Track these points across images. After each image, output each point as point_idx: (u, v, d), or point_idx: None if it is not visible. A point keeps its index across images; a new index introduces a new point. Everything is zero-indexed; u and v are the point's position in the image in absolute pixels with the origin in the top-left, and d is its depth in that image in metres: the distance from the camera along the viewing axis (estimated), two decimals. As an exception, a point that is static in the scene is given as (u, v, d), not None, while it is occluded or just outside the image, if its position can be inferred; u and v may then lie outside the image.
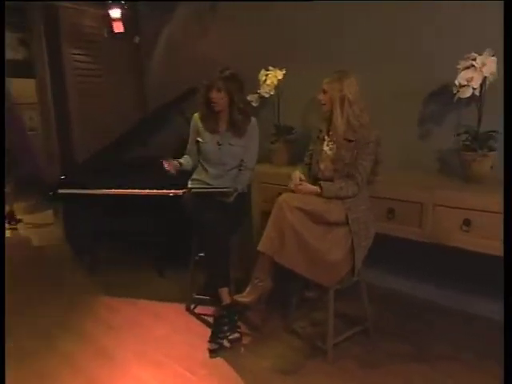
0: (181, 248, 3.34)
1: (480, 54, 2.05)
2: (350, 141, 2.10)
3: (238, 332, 2.25)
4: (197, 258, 2.63)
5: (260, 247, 2.07)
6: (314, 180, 2.25)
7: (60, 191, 3.24)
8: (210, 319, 2.57)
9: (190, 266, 2.67)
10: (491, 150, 2.12)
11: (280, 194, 2.16)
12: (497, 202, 1.94)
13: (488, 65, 2.00)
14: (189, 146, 2.59)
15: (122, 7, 3.70)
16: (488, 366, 2.08)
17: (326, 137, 2.23)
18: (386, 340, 2.33)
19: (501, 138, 2.12)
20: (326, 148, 2.21)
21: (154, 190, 3.10)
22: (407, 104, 2.59)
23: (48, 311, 2.79)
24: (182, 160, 2.53)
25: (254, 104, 2.88)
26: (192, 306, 2.76)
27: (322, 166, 2.22)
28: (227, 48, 3.52)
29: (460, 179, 2.28)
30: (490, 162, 2.14)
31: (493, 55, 2.02)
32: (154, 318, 2.68)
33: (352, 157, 2.10)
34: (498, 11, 2.16)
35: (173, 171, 2.40)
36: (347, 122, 2.08)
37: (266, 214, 2.87)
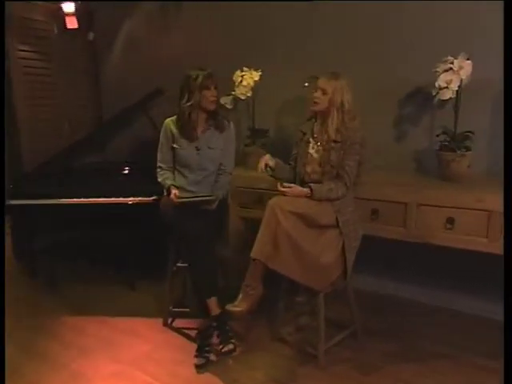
0: (152, 259, 3.24)
1: (455, 58, 2.16)
2: (336, 142, 2.13)
3: (232, 343, 2.20)
4: (175, 268, 2.54)
5: (253, 254, 2.04)
6: (300, 183, 2.26)
7: (11, 202, 3.01)
8: (192, 332, 2.49)
9: (168, 277, 2.57)
10: (468, 149, 2.24)
11: (270, 197, 2.15)
12: (478, 199, 2.06)
13: (465, 68, 2.11)
14: (162, 155, 2.47)
15: (76, 1, 3.50)
16: (477, 361, 2.18)
17: (310, 139, 2.24)
18: (374, 341, 2.38)
19: (475, 138, 2.27)
20: (311, 151, 2.23)
21: (115, 198, 2.99)
22: (382, 105, 2.68)
23: (7, 337, 2.55)
24: (168, 181, 2.41)
25: (229, 106, 2.84)
26: (169, 320, 2.66)
27: (308, 169, 2.22)
28: (193, 47, 3.44)
29: (437, 178, 2.39)
30: (468, 162, 2.27)
31: (467, 59, 2.14)
32: (129, 335, 2.54)
33: (339, 158, 2.13)
34: (473, 13, 2.31)
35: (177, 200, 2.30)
36: (336, 128, 2.10)
37: (242, 220, 2.88)
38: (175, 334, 2.55)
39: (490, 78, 2.24)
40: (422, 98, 2.55)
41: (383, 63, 2.65)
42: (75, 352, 2.39)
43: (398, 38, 2.59)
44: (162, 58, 3.64)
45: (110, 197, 3.00)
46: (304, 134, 2.28)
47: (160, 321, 2.65)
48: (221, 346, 2.19)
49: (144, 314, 2.75)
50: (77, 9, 3.59)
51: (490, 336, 2.34)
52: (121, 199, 2.93)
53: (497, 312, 2.35)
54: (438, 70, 2.18)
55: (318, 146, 2.21)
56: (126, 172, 3.23)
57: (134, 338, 2.51)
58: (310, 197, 2.11)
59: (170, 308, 2.63)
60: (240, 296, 2.09)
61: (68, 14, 3.56)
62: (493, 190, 2.05)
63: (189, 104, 2.30)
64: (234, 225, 2.86)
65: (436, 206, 2.18)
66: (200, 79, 2.26)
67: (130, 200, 2.98)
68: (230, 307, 2.06)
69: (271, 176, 2.31)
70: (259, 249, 2.04)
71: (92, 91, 4.10)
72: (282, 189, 2.13)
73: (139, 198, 2.97)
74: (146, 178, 3.04)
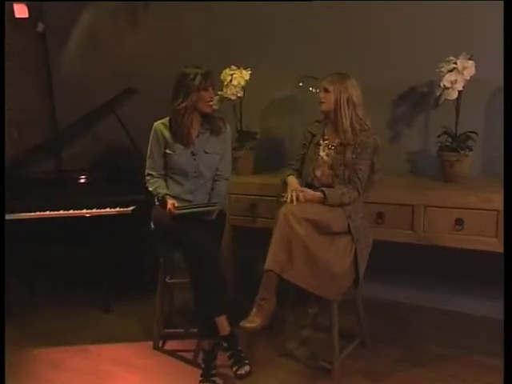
0: (128, 276, 3.04)
1: (457, 57, 2.23)
2: (350, 145, 2.10)
3: (247, 364, 2.08)
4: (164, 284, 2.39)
5: (267, 265, 1.96)
6: (307, 187, 2.21)
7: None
8: (188, 355, 2.34)
9: (158, 294, 2.40)
10: (470, 150, 2.32)
11: (281, 204, 2.07)
12: (486, 199, 2.13)
13: (468, 68, 2.18)
14: (153, 162, 2.29)
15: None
16: (487, 361, 2.23)
17: (321, 141, 2.19)
18: (382, 348, 2.37)
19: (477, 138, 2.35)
20: (322, 153, 2.18)
21: (89, 210, 2.78)
22: (375, 106, 2.68)
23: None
24: (161, 190, 2.24)
25: (215, 107, 2.71)
26: (160, 343, 2.48)
27: (318, 173, 2.18)
28: (163, 46, 3.27)
29: (438, 180, 2.44)
30: (470, 162, 2.34)
31: (469, 58, 2.21)
32: (116, 365, 2.33)
33: (351, 161, 2.11)
34: (466, 12, 2.39)
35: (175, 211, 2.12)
36: (351, 126, 2.08)
37: (234, 228, 2.77)
38: (169, 357, 2.38)
39: (483, 78, 2.32)
40: (416, 98, 2.61)
41: (375, 63, 2.67)
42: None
43: (390, 38, 2.63)
44: (126, 57, 3.42)
45: (80, 209, 2.79)
46: (313, 135, 2.23)
47: (148, 344, 2.46)
48: (235, 368, 2.07)
49: (129, 339, 2.55)
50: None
51: (497, 336, 2.43)
52: (92, 211, 2.73)
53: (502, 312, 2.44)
54: (442, 69, 2.22)
55: (329, 148, 2.17)
56: (98, 181, 3.00)
57: (122, 368, 2.31)
58: (322, 202, 2.07)
59: (161, 329, 2.46)
60: (254, 311, 2.00)
61: (17, 2, 3.22)
62: (499, 189, 2.11)
63: (183, 105, 2.15)
64: (225, 234, 2.74)
65: (444, 208, 2.22)
66: (198, 79, 2.13)
67: (104, 212, 2.77)
68: (244, 324, 1.96)
69: None
70: (273, 259, 1.96)
71: (43, 91, 3.76)
72: (293, 195, 2.05)
73: (116, 209, 2.77)
74: (121, 188, 2.87)
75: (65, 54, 3.69)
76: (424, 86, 2.57)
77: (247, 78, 2.63)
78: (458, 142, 2.33)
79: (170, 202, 2.14)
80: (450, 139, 2.36)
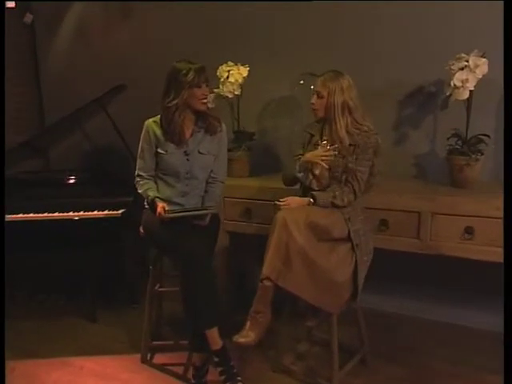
0: (117, 283, 2.95)
1: (468, 55, 2.15)
2: (349, 145, 2.03)
3: (240, 381, 1.99)
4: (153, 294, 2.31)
5: (265, 272, 1.89)
6: (304, 189, 2.15)
7: None
8: (178, 369, 2.27)
9: (147, 304, 2.32)
10: (482, 154, 2.24)
11: (278, 208, 2.00)
12: (497, 206, 2.05)
13: (480, 66, 2.10)
14: (143, 162, 2.21)
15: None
16: (491, 380, 2.15)
17: (319, 142, 2.12)
18: (384, 365, 2.29)
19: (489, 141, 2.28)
20: (320, 154, 2.11)
21: (76, 213, 2.71)
22: (379, 107, 2.62)
23: None
24: (151, 193, 2.15)
25: (210, 105, 2.62)
26: (148, 356, 2.39)
27: (316, 173, 2.10)
28: (156, 41, 3.20)
29: (446, 185, 2.37)
30: (481, 167, 2.27)
31: (482, 56, 2.14)
32: (100, 379, 2.24)
33: (350, 163, 2.04)
34: (481, 8, 2.31)
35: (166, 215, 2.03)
36: (347, 132, 2.01)
37: (230, 234, 2.69)
38: (158, 372, 2.30)
39: (497, 77, 2.24)
40: (423, 98, 2.54)
41: (379, 62, 2.59)
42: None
43: (395, 35, 2.55)
44: (119, 50, 3.33)
45: (66, 211, 2.71)
46: (312, 135, 2.16)
47: (135, 357, 2.38)
48: (226, 386, 1.98)
49: (114, 351, 2.47)
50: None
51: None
52: (79, 214, 2.65)
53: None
54: (452, 67, 2.15)
55: (327, 149, 2.09)
56: (84, 182, 2.92)
57: (106, 382, 2.22)
58: (314, 204, 2.01)
59: (149, 341, 2.37)
60: (248, 324, 1.92)
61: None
62: None
63: (175, 102, 2.07)
64: (219, 240, 2.66)
65: (453, 215, 2.14)
66: (191, 75, 2.04)
67: (92, 214, 2.70)
68: (237, 339, 1.88)
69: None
70: (270, 265, 1.89)
71: (30, 86, 3.68)
72: (279, 203, 2.00)
73: (105, 212, 2.69)
74: (110, 189, 2.80)
75: (53, 47, 3.60)
76: (432, 86, 2.49)
77: (245, 74, 2.55)
78: (469, 146, 2.25)
79: (160, 206, 2.05)
80: (459, 142, 2.28)
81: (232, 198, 2.63)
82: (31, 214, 2.69)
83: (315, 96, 2.06)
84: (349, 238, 2.02)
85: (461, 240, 2.14)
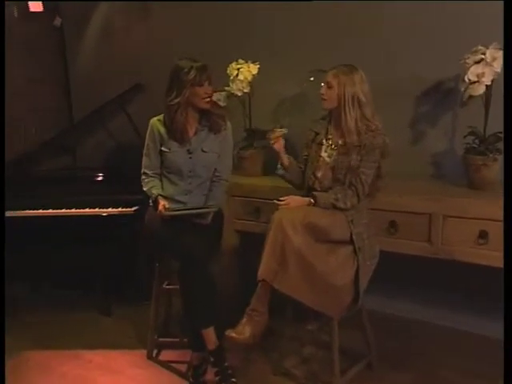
0: (130, 279, 3.01)
1: (487, 47, 2.02)
2: (354, 146, 1.96)
3: (234, 382, 1.98)
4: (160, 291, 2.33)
5: (260, 274, 1.87)
6: (309, 191, 2.08)
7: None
8: (182, 366, 2.28)
9: (152, 301, 2.34)
10: (500, 153, 2.10)
11: (277, 208, 1.96)
12: (515, 209, 1.91)
13: (498, 59, 1.97)
14: (148, 160, 2.24)
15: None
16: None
17: (324, 141, 2.06)
18: (390, 371, 2.21)
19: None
20: (324, 154, 2.05)
21: (92, 209, 2.78)
22: (396, 104, 2.52)
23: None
24: (155, 191, 2.18)
25: (222, 104, 2.63)
26: (154, 353, 2.42)
27: (319, 175, 2.05)
28: (179, 39, 3.22)
29: (463, 186, 2.24)
30: (499, 167, 2.12)
31: (501, 49, 2.00)
32: (106, 373, 2.29)
33: (355, 164, 1.96)
34: (491, 6, 2.17)
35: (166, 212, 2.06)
36: (356, 126, 1.93)
37: (239, 234, 2.68)
38: (162, 368, 2.33)
39: None
40: (441, 94, 2.41)
41: (394, 57, 2.49)
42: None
43: (410, 30, 2.43)
44: (142, 50, 3.39)
45: (82, 208, 2.79)
46: (317, 134, 2.10)
47: (143, 353, 2.42)
48: (219, 386, 1.97)
49: (123, 346, 2.51)
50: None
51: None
52: (94, 210, 2.73)
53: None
54: (467, 61, 2.02)
55: (331, 148, 2.03)
56: (99, 179, 2.99)
57: (112, 376, 2.27)
58: (314, 204, 1.96)
59: (155, 338, 2.40)
60: (243, 320, 1.89)
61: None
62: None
63: (177, 101, 2.07)
64: (228, 239, 2.65)
65: (466, 218, 2.02)
66: (192, 73, 2.04)
67: (105, 211, 2.76)
68: (230, 333, 1.85)
69: (281, 176, 2.16)
70: (265, 267, 1.86)
71: (60, 87, 3.82)
72: (278, 202, 1.97)
73: (119, 209, 2.75)
74: (123, 186, 2.85)
75: (81, 48, 3.73)
76: (450, 81, 2.36)
77: (255, 72, 2.53)
78: (487, 144, 2.12)
79: (162, 203, 2.07)
80: (477, 141, 2.15)
81: (242, 196, 2.61)
82: (50, 210, 2.78)
83: (325, 87, 1.99)
84: (351, 241, 1.95)
85: (474, 245, 2.02)
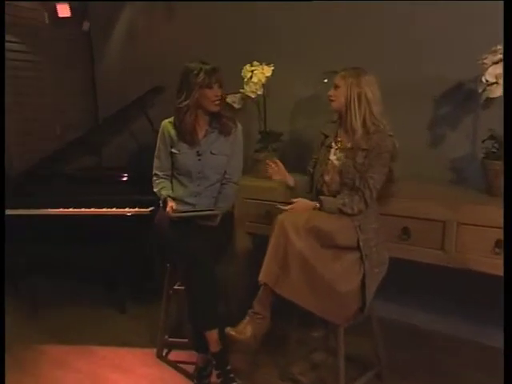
0: (145, 278, 3.05)
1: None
2: (362, 149, 1.90)
3: (235, 385, 1.98)
4: (171, 291, 2.34)
5: (261, 277, 1.84)
6: (318, 194, 2.04)
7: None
8: (190, 368, 2.28)
9: (163, 301, 2.36)
10: (521, 158, 1.98)
11: (280, 211, 1.93)
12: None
13: (519, 59, 1.86)
14: (159, 161, 2.27)
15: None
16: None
17: (333, 144, 2.01)
18: (398, 383, 2.13)
19: None
20: (332, 157, 2.00)
21: (109, 209, 2.83)
22: (415, 106, 2.44)
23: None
24: (164, 192, 2.21)
25: (237, 106, 2.63)
26: (164, 352, 2.44)
27: (327, 179, 2.01)
28: (199, 41, 3.25)
29: (482, 192, 2.14)
30: (520, 172, 2.01)
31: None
32: (116, 371, 2.32)
33: (363, 168, 1.90)
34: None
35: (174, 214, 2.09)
36: (363, 125, 1.88)
37: (252, 237, 2.66)
38: (170, 368, 2.34)
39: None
40: (462, 96, 2.31)
41: (413, 58, 2.41)
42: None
43: (431, 31, 2.35)
44: (165, 53, 3.44)
45: (103, 207, 2.85)
46: (326, 136, 2.06)
47: (153, 352, 2.43)
48: (221, 390, 1.97)
49: (135, 344, 2.55)
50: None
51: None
52: (115, 210, 2.77)
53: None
54: (485, 61, 1.93)
55: (339, 152, 1.98)
56: (124, 179, 3.04)
57: (121, 375, 2.30)
58: (320, 209, 1.92)
59: (165, 337, 2.42)
60: (245, 320, 1.88)
61: (59, 1, 3.40)
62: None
63: (185, 103, 2.08)
64: (241, 242, 2.65)
65: (482, 226, 1.93)
66: (201, 76, 2.04)
67: (121, 211, 2.81)
68: (231, 331, 1.84)
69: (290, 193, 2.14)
70: (267, 271, 1.84)
71: (87, 87, 3.93)
72: (283, 207, 1.93)
73: (135, 209, 2.79)
74: (144, 187, 2.88)
75: (107, 50, 3.82)
76: (472, 82, 2.25)
77: (268, 74, 2.50)
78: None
79: (170, 205, 2.09)
80: (496, 145, 2.04)
81: (255, 199, 2.59)
82: (70, 209, 2.86)
83: (333, 88, 1.97)
84: (358, 247, 1.89)
85: (490, 254, 1.92)
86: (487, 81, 1.92)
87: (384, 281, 1.97)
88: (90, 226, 2.85)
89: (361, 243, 1.89)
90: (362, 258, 1.88)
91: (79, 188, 2.99)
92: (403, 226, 2.11)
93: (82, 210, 2.84)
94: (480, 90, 1.98)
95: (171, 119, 2.24)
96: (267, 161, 2.07)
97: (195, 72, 2.05)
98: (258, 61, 2.60)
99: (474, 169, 2.30)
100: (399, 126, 2.41)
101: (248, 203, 2.61)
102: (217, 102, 2.12)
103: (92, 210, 2.85)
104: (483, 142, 2.09)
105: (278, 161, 2.07)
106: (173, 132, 2.20)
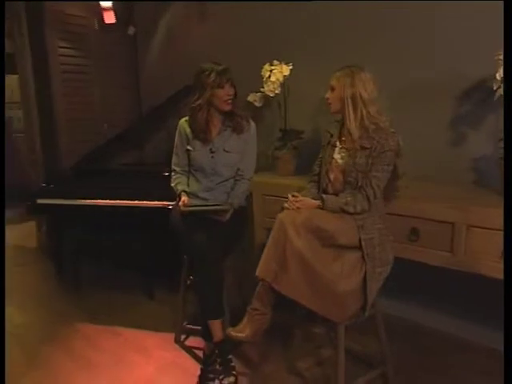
0: (173, 267, 3.18)
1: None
2: (364, 148, 1.87)
3: (234, 375, 2.04)
4: (188, 282, 2.44)
5: (258, 273, 1.87)
6: (323, 193, 2.04)
7: (39, 201, 3.11)
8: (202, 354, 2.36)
9: (181, 290, 2.47)
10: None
11: (282, 209, 1.95)
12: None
13: (536, 55, 1.74)
14: (177, 158, 2.38)
15: (114, -5, 3.55)
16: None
17: (337, 142, 2.01)
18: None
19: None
20: (337, 156, 2.00)
21: (144, 202, 2.96)
22: (434, 104, 2.35)
23: (15, 337, 2.60)
24: (180, 187, 2.32)
25: (257, 104, 2.68)
26: (182, 338, 2.55)
27: (331, 177, 2.00)
28: (227, 42, 3.32)
29: (497, 194, 2.03)
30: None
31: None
32: (138, 352, 2.46)
33: (366, 167, 1.88)
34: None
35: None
36: (361, 126, 1.86)
37: (268, 232, 2.69)
38: (185, 353, 2.44)
39: None
40: (485, 94, 2.19)
41: (432, 55, 2.33)
42: (81, 365, 2.36)
43: (450, 24, 2.26)
44: (203, 54, 3.54)
45: (141, 200, 2.99)
46: (331, 135, 2.05)
47: (172, 337, 2.55)
48: (221, 377, 2.04)
49: (158, 328, 2.68)
50: (116, 2, 3.63)
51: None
52: (157, 203, 2.89)
53: None
54: (500, 57, 1.82)
55: (343, 151, 1.97)
56: (164, 174, 3.18)
57: (143, 356, 2.43)
58: (322, 207, 1.91)
59: (184, 324, 2.53)
60: (245, 319, 1.93)
61: (105, 9, 3.62)
62: None
63: (198, 102, 2.16)
64: (259, 237, 2.70)
65: (492, 229, 1.85)
66: (213, 76, 2.12)
67: (159, 204, 2.92)
68: (231, 331, 1.90)
69: None
70: (265, 267, 1.87)
71: (132, 87, 4.15)
72: (286, 205, 1.94)
73: (164, 202, 2.89)
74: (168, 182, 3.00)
75: (150, 53, 4.00)
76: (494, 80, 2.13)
77: (287, 73, 2.53)
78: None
79: (182, 199, 2.18)
80: (513, 144, 1.92)
81: (273, 196, 2.62)
82: (107, 200, 3.04)
83: (329, 90, 1.97)
84: (359, 247, 1.87)
85: (500, 259, 1.82)
86: (502, 78, 1.81)
87: (389, 281, 1.94)
88: (129, 217, 2.99)
89: (363, 243, 1.86)
90: (363, 257, 1.86)
91: (122, 181, 3.15)
92: (412, 227, 2.06)
93: (117, 201, 3.01)
94: (495, 88, 1.88)
95: (188, 118, 2.33)
96: (289, 195, 1.99)
97: (207, 72, 2.13)
98: (280, 60, 2.62)
99: (495, 170, 2.18)
100: (419, 124, 2.37)
101: (267, 200, 2.65)
102: (229, 101, 2.18)
103: (125, 201, 3.00)
104: (499, 141, 1.98)
105: (297, 194, 2.00)
106: (188, 130, 2.29)
